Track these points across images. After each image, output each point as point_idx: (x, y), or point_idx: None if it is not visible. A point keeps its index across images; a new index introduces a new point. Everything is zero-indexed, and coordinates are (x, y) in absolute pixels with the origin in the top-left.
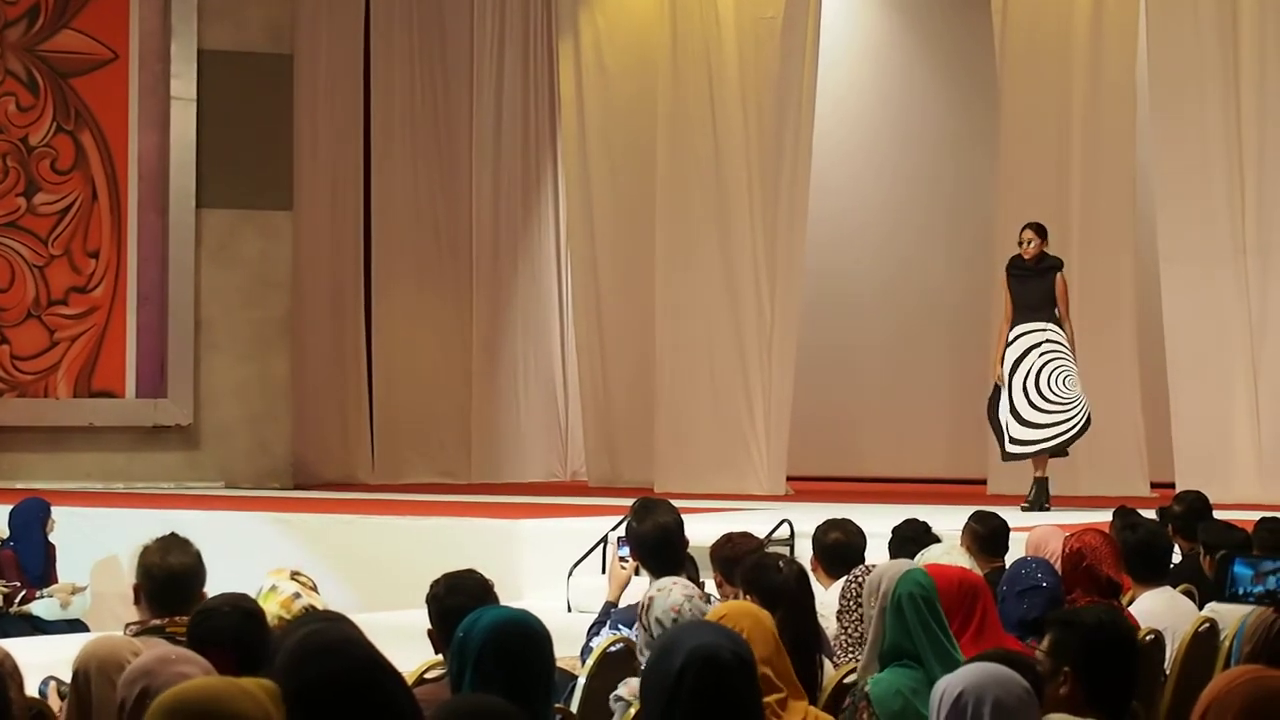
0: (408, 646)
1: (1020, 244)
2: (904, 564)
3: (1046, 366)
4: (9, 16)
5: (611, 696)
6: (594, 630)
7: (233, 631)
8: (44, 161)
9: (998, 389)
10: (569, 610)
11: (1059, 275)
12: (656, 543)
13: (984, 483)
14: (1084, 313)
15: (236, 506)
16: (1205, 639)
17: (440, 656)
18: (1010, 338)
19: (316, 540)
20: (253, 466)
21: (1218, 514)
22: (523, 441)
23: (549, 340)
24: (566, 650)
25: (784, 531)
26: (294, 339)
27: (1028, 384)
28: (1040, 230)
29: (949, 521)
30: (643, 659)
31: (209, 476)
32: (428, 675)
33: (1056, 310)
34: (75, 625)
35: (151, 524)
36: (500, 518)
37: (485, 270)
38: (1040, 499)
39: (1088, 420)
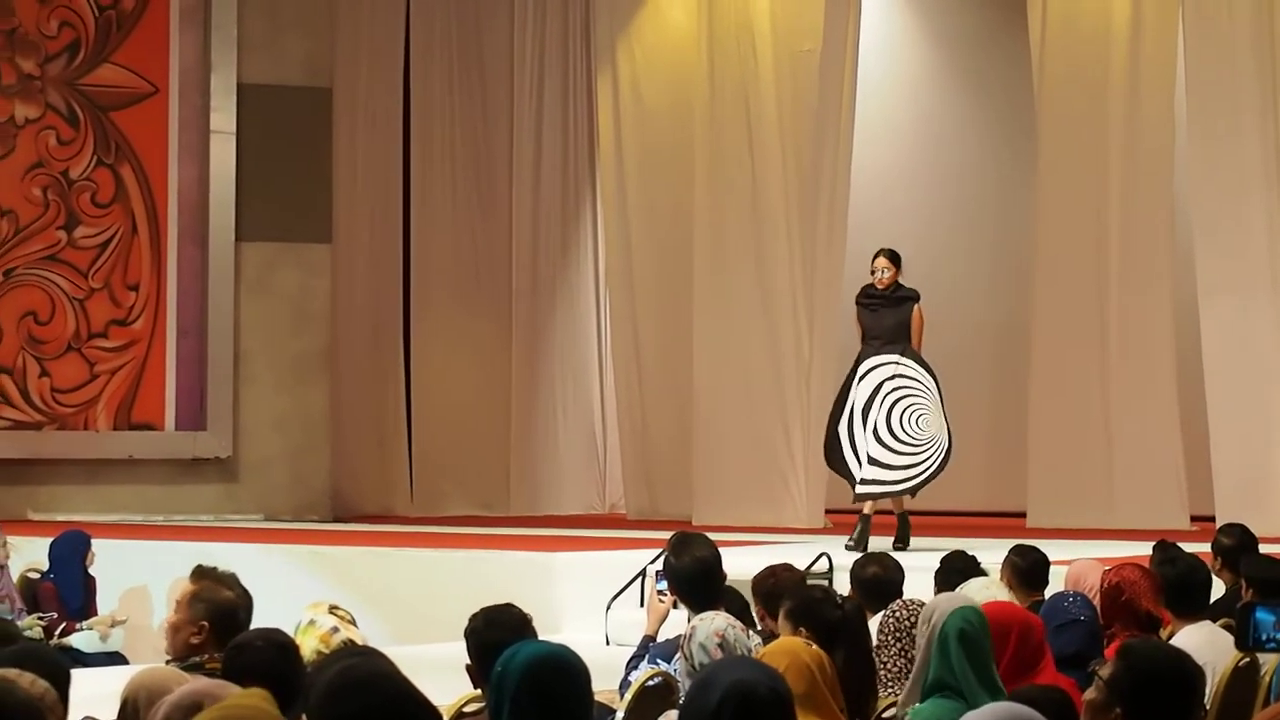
0: (445, 680)
1: (872, 273)
2: (959, 598)
3: (898, 405)
4: (50, 51)
5: None
6: (632, 664)
7: (266, 665)
8: (84, 195)
9: (835, 428)
10: (607, 644)
11: (917, 307)
12: (694, 577)
13: (1023, 515)
14: (1123, 345)
15: (275, 539)
16: (1245, 675)
17: (479, 691)
18: (860, 372)
19: (354, 573)
20: (291, 499)
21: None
22: (561, 474)
23: (587, 373)
24: (605, 684)
25: (823, 565)
26: (333, 371)
27: (878, 424)
28: (894, 258)
29: (988, 555)
30: (684, 686)
31: (247, 509)
32: (466, 710)
33: (910, 343)
34: (114, 658)
35: (190, 557)
36: (538, 550)
37: (524, 303)
38: (864, 539)
39: (942, 463)
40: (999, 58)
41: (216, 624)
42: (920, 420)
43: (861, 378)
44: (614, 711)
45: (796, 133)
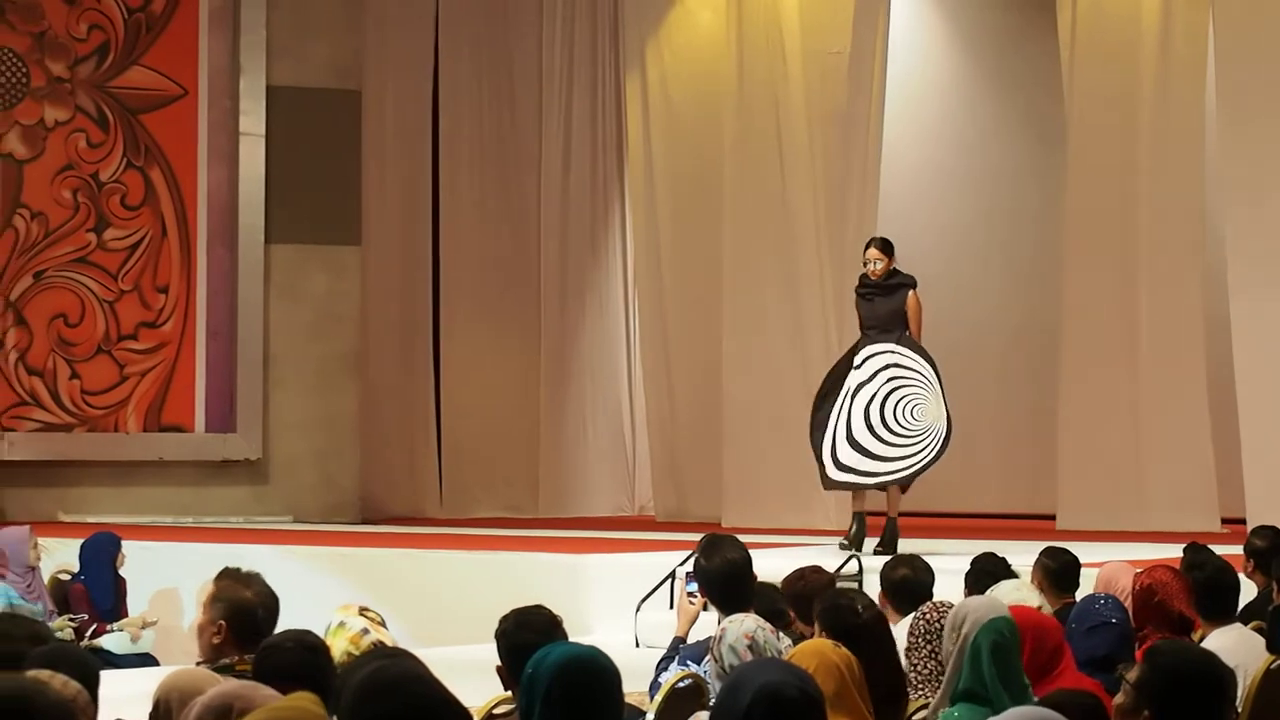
0: (476, 682)
1: (865, 264)
2: (990, 606)
3: (894, 394)
4: (79, 54)
5: None
6: (662, 666)
7: (296, 667)
8: (114, 197)
9: (823, 412)
10: (637, 646)
11: (912, 293)
12: (725, 579)
13: (1053, 518)
14: (1153, 346)
15: (304, 541)
16: (1276, 678)
17: (509, 692)
18: (857, 361)
19: (384, 575)
20: (320, 501)
21: None
22: (590, 476)
23: (616, 375)
24: (635, 686)
25: (852, 567)
26: (362, 374)
27: (870, 411)
28: (885, 247)
29: (1018, 558)
30: (714, 688)
31: (276, 511)
32: (496, 711)
33: (907, 331)
34: (145, 659)
35: (220, 559)
36: (568, 552)
37: (553, 305)
38: (859, 537)
39: (939, 452)
40: (1028, 58)
41: (234, 624)
42: (916, 410)
43: (857, 367)
44: (644, 713)
45: (825, 134)
